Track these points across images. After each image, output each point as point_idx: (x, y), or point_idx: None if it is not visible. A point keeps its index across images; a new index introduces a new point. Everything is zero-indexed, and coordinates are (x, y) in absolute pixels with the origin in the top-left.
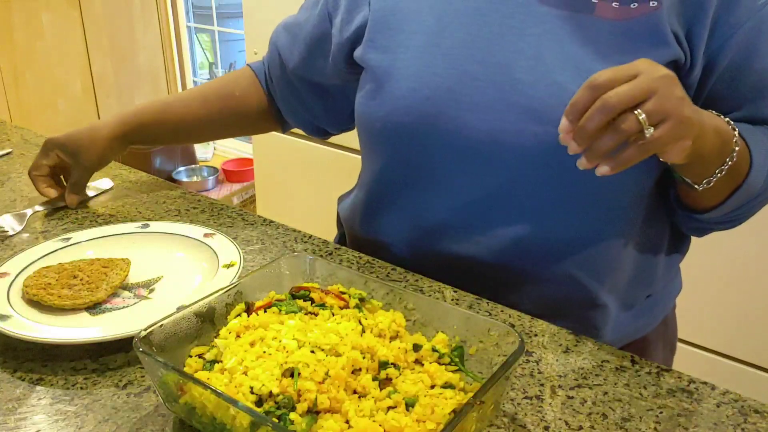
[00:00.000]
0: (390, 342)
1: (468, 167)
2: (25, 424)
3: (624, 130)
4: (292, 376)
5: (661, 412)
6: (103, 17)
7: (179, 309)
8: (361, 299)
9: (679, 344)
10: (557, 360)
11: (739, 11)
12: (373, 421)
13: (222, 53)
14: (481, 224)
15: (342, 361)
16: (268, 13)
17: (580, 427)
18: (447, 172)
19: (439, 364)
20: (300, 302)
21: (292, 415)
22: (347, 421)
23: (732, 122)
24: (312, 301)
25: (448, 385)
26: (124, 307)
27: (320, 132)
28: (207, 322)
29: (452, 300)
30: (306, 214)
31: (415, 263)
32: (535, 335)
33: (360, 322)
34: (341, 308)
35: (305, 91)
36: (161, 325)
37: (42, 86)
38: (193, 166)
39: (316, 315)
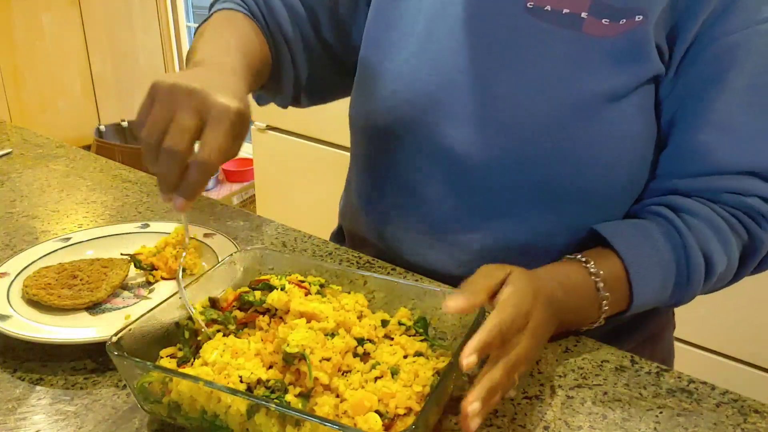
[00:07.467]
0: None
1: (440, 175)
2: (25, 424)
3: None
4: (286, 362)
5: (660, 412)
6: (103, 17)
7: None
8: (321, 285)
9: (679, 344)
10: (557, 360)
11: (733, 21)
12: (366, 391)
13: None
14: (449, 233)
15: (339, 342)
16: None
17: (580, 427)
18: (420, 178)
19: (407, 336)
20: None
21: (288, 397)
22: (338, 395)
23: (599, 279)
24: (272, 288)
25: (418, 354)
26: (124, 307)
27: (294, 98)
28: (171, 323)
29: None
30: (306, 214)
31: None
32: None
33: None
34: (305, 296)
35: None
36: (130, 330)
37: (42, 86)
38: None
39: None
